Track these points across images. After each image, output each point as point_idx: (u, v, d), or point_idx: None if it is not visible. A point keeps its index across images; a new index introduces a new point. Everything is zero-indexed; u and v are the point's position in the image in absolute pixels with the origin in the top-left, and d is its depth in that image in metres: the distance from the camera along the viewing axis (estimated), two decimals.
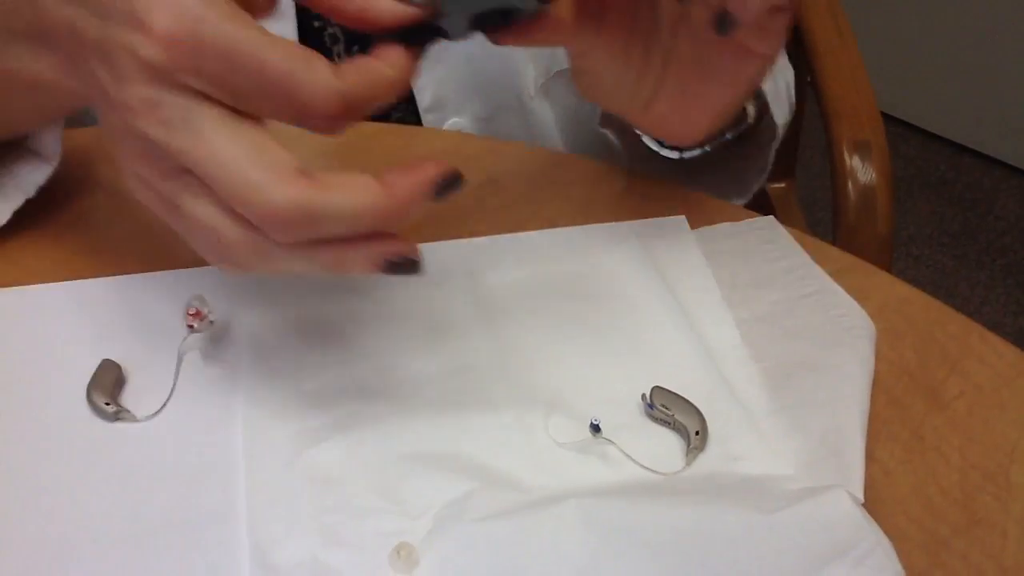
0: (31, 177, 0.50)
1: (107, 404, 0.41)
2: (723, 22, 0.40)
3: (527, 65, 0.66)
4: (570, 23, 0.41)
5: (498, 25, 0.37)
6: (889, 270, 0.53)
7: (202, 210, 0.35)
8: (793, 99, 0.65)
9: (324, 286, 0.47)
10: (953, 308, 0.47)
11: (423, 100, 0.66)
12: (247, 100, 0.33)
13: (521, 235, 0.51)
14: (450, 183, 0.35)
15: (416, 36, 0.35)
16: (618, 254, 0.50)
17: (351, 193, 0.33)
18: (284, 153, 0.34)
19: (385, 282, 0.48)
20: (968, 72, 1.93)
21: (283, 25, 0.63)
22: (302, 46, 0.34)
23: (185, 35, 0.32)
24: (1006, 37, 1.86)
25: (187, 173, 0.34)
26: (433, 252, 0.50)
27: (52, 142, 0.50)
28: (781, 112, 0.59)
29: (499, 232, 0.51)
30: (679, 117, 0.49)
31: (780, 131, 0.59)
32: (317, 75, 0.33)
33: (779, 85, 0.61)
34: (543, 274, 0.49)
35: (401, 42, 0.35)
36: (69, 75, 0.38)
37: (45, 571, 0.35)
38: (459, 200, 0.52)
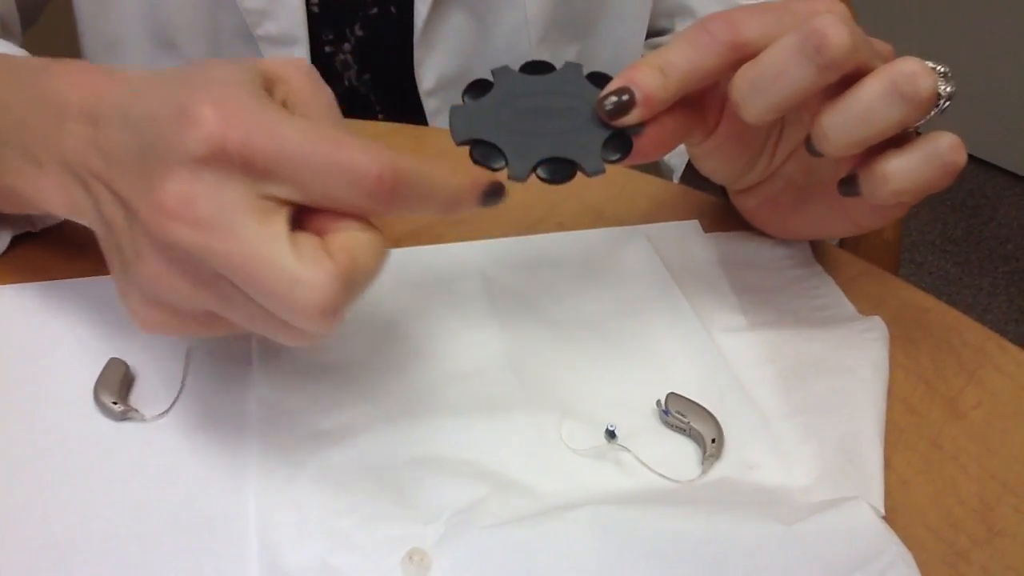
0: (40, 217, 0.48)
1: (115, 403, 0.40)
2: (849, 185, 0.40)
3: (533, 50, 0.66)
4: (657, 150, 0.40)
5: (555, 176, 0.38)
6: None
7: (240, 312, 0.33)
8: None
9: None
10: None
11: (426, 83, 0.66)
12: (292, 189, 0.32)
13: (533, 237, 0.51)
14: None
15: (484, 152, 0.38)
16: (631, 258, 0.49)
17: (377, 260, 0.33)
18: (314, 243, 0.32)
19: (396, 284, 0.47)
20: (971, 79, 1.93)
21: (296, 51, 0.63)
22: (350, 136, 0.32)
23: (233, 126, 0.31)
24: (1008, 44, 1.86)
25: (220, 279, 0.32)
26: (444, 254, 0.50)
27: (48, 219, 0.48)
28: None
29: (510, 234, 0.51)
30: (768, 217, 0.50)
31: None
32: (369, 154, 0.32)
33: None
34: (555, 277, 0.48)
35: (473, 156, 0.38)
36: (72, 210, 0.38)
37: (51, 571, 0.35)
38: None
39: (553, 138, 0.38)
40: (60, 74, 0.38)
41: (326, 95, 0.36)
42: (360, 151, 0.32)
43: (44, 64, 0.40)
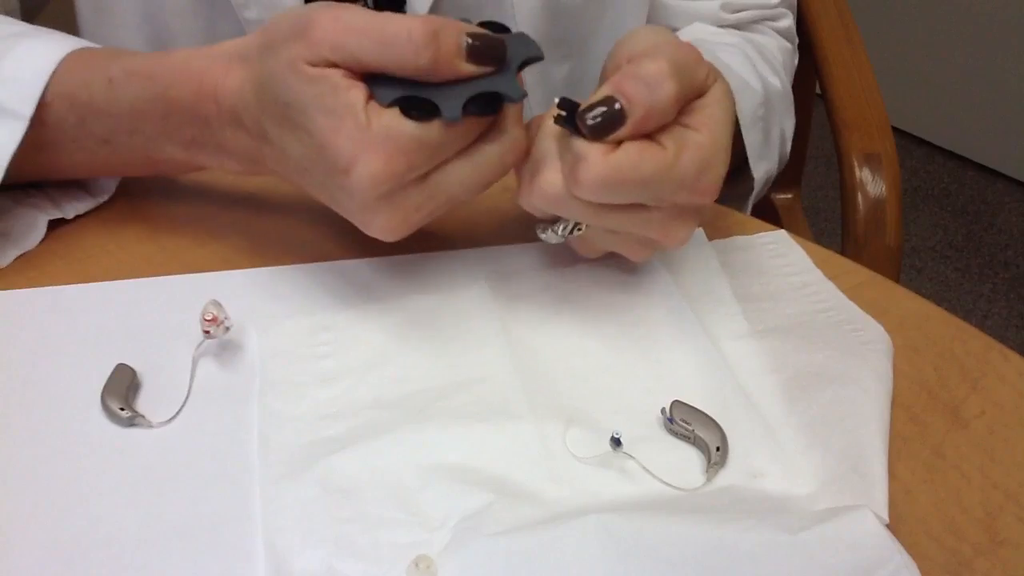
0: (71, 205, 0.51)
1: (121, 409, 0.40)
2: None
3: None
4: None
5: (486, 109, 0.41)
6: (896, 283, 0.53)
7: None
8: (787, 148, 0.65)
9: (341, 295, 0.47)
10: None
11: None
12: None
13: (538, 245, 0.51)
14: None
15: (416, 111, 0.40)
16: (635, 265, 0.50)
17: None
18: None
19: (402, 291, 0.47)
20: (972, 85, 1.93)
21: None
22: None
23: (392, 163, 0.38)
24: (1010, 50, 1.86)
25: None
26: (448, 261, 0.50)
27: (107, 182, 0.52)
28: (767, 165, 0.59)
29: (514, 240, 0.51)
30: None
31: (758, 184, 0.60)
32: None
33: (772, 137, 0.60)
34: (560, 284, 0.48)
35: (406, 114, 0.39)
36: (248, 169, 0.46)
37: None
38: (474, 207, 0.52)
39: (468, 80, 0.40)
40: (172, 83, 0.44)
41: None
42: None
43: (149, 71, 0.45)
